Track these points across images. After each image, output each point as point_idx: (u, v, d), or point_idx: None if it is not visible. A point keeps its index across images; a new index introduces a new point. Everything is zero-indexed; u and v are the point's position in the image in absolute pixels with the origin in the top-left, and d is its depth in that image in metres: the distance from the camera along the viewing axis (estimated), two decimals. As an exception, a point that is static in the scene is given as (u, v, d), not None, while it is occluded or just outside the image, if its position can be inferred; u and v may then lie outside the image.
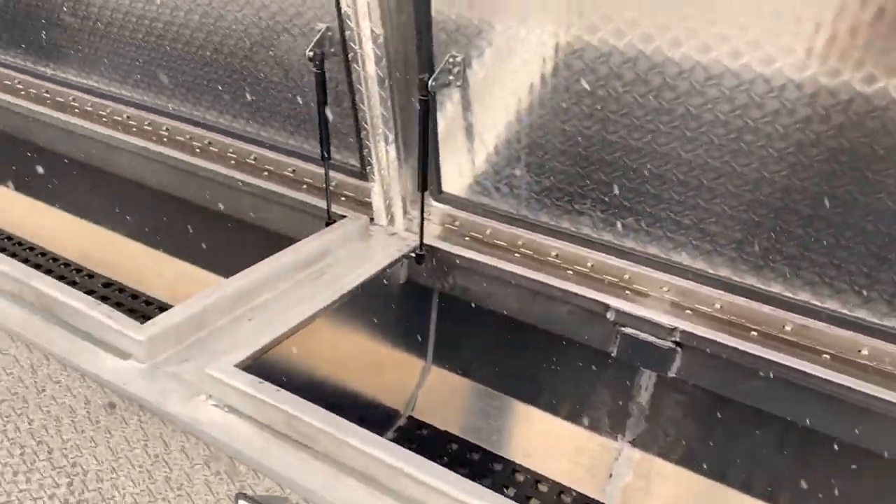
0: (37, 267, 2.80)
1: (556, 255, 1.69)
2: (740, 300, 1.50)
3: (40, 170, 2.79)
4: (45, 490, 1.21)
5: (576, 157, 1.51)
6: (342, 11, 1.52)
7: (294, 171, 2.00)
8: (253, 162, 2.06)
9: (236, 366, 1.27)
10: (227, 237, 2.36)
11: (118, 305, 2.59)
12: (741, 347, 1.51)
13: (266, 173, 2.06)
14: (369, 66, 1.56)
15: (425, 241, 1.78)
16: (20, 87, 2.47)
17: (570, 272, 1.69)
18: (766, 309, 1.49)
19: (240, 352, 1.32)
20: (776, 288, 1.45)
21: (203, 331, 1.43)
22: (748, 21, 1.20)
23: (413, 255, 1.77)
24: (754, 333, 1.52)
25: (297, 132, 1.92)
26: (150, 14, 1.91)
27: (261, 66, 1.82)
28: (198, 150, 2.16)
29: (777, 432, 1.70)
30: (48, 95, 2.42)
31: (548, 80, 1.44)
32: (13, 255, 2.80)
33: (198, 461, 1.21)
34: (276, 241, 2.17)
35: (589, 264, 1.65)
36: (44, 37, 2.26)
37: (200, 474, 1.20)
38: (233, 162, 2.11)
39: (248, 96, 1.92)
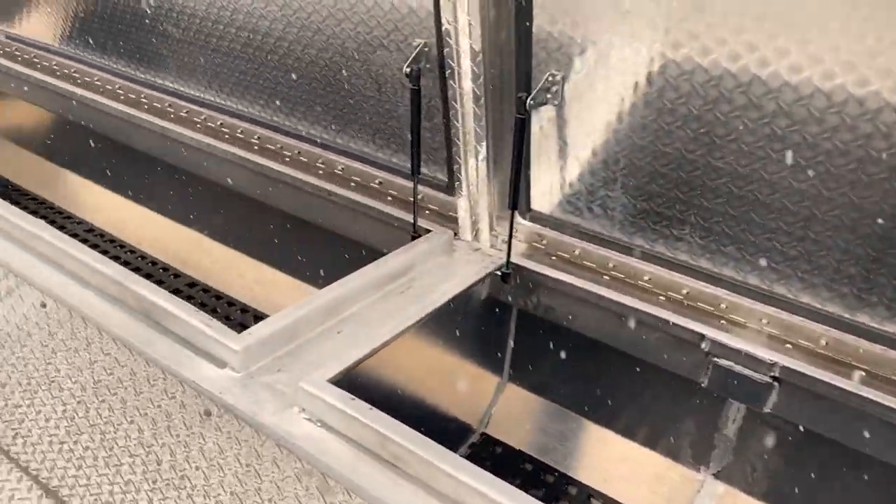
0: (125, 264, 2.93)
1: (649, 280, 1.64)
2: (849, 338, 1.42)
3: (134, 171, 2.91)
4: (133, 486, 1.25)
5: (677, 182, 1.46)
6: (442, 28, 1.51)
7: (381, 183, 2.02)
8: (340, 173, 2.08)
9: (329, 380, 1.28)
10: (311, 244, 2.41)
11: (202, 305, 2.67)
12: (847, 387, 1.43)
13: (353, 184, 2.08)
14: (466, 83, 1.55)
15: (511, 258, 1.76)
16: (120, 91, 2.58)
17: (663, 298, 1.63)
18: (878, 349, 1.40)
19: (332, 366, 1.33)
20: (891, 328, 1.36)
21: (295, 342, 1.45)
22: (877, 47, 1.13)
23: (499, 273, 1.75)
24: (862, 373, 1.44)
25: (387, 145, 1.93)
26: (248, 26, 1.96)
27: (354, 79, 1.84)
28: (287, 160, 2.20)
29: (876, 477, 1.60)
30: (145, 101, 2.51)
31: (651, 101, 1.40)
32: (104, 252, 2.93)
33: (289, 474, 1.22)
34: (358, 251, 2.21)
35: (684, 291, 1.60)
36: (146, 45, 2.35)
37: (291, 487, 1.21)
38: (321, 172, 2.14)
39: (340, 109, 1.94)
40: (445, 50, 1.53)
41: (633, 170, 1.51)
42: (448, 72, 1.56)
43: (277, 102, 2.10)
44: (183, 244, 2.90)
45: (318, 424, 1.24)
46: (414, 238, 1.85)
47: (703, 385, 1.68)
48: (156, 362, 1.38)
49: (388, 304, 1.62)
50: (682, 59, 1.32)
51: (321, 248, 2.42)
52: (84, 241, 3.01)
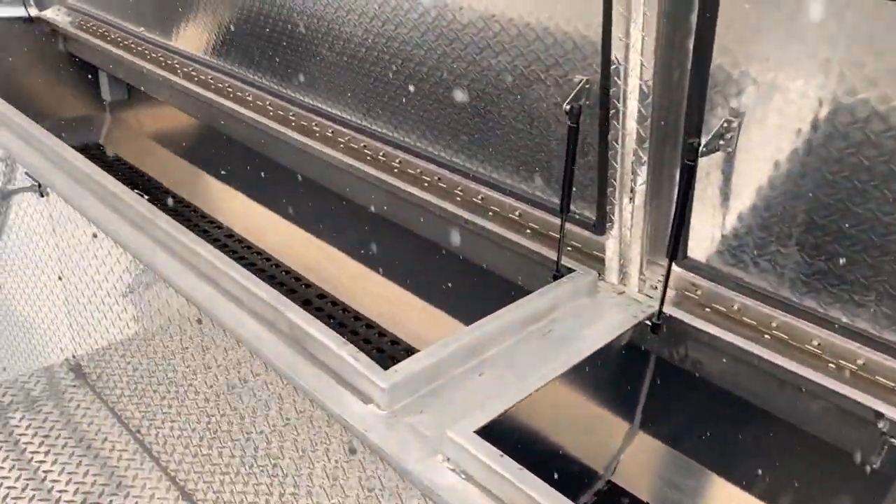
0: (260, 271, 3.05)
1: (818, 345, 1.50)
2: None
3: (275, 183, 3.03)
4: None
5: (865, 245, 1.32)
6: (610, 67, 1.45)
7: (521, 214, 1.97)
8: (479, 202, 2.06)
9: (475, 431, 1.25)
10: (442, 268, 2.40)
11: (329, 318, 2.73)
12: None
13: (491, 213, 2.04)
14: (630, 123, 1.48)
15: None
16: (270, 108, 2.68)
17: (833, 366, 1.49)
18: None
19: (478, 416, 1.29)
20: None
21: (437, 381, 1.43)
22: None
23: (648, 322, 1.66)
24: None
25: (531, 178, 1.88)
26: (402, 54, 1.98)
27: (506, 111, 1.80)
28: (426, 184, 2.20)
29: None
30: (293, 118, 2.60)
31: (845, 158, 1.27)
32: (241, 258, 3.07)
33: (432, 524, 1.20)
34: (487, 278, 2.17)
35: (859, 362, 1.45)
36: (298, 65, 2.43)
37: (434, 538, 1.19)
38: (458, 199, 2.12)
39: (486, 139, 1.91)
40: (612, 90, 1.47)
41: (813, 228, 1.38)
42: (612, 112, 1.49)
43: (423, 129, 2.10)
44: (316, 256, 2.99)
45: (464, 477, 1.20)
46: (556, 277, 1.79)
47: (873, 465, 1.51)
48: (304, 391, 1.40)
49: (529, 347, 1.57)
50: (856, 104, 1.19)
51: (451, 272, 2.41)
52: (223, 245, 3.17)
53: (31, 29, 3.61)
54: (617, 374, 1.88)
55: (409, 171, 2.24)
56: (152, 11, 3.20)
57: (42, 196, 2.05)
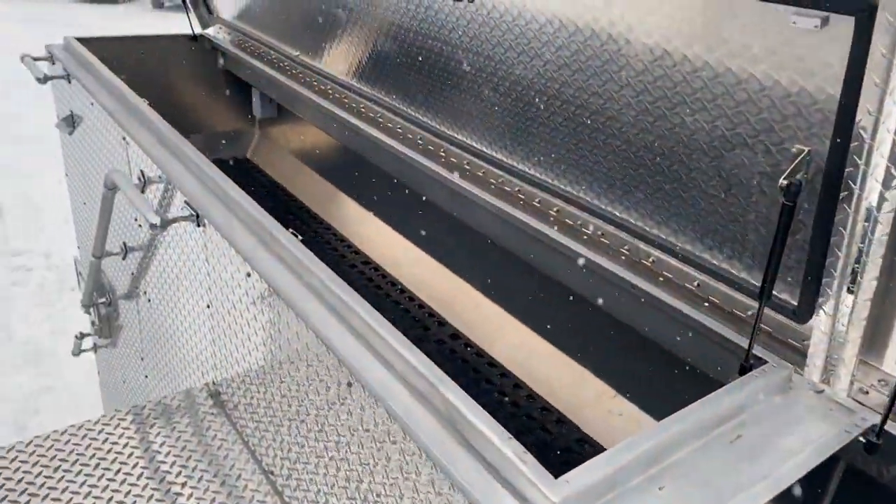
0: (395, 304, 2.98)
1: None
2: None
3: (417, 216, 2.95)
4: None
5: None
6: (848, 142, 1.21)
7: (698, 285, 1.75)
8: (649, 264, 1.85)
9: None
10: (593, 328, 2.22)
11: (464, 362, 2.61)
12: None
13: (662, 279, 1.83)
14: (866, 209, 1.23)
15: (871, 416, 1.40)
16: (420, 142, 2.60)
17: None
18: None
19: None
20: None
21: (612, 493, 1.25)
22: None
23: (863, 440, 1.39)
24: None
25: (719, 249, 1.66)
26: (576, 101, 1.81)
27: (697, 174, 1.59)
28: (585, 238, 2.02)
29: None
30: (443, 154, 2.50)
31: None
32: (377, 288, 3.01)
33: None
34: (650, 350, 1.96)
35: None
36: (457, 102, 2.33)
37: None
38: (624, 258, 1.93)
39: (668, 200, 1.71)
40: (847, 168, 1.23)
41: None
42: (844, 194, 1.26)
43: (590, 181, 1.92)
44: (453, 294, 2.88)
45: None
46: (743, 368, 1.55)
47: None
48: (457, 484, 1.26)
49: (715, 457, 1.35)
50: None
51: (602, 331, 2.22)
52: (360, 272, 3.13)
53: (195, 46, 3.77)
54: (816, 489, 1.62)
55: (568, 221, 2.07)
56: (307, 35, 3.23)
57: (199, 226, 2.05)
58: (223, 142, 3.96)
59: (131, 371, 3.30)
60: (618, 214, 1.89)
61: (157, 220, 1.98)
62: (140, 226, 2.55)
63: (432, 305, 2.91)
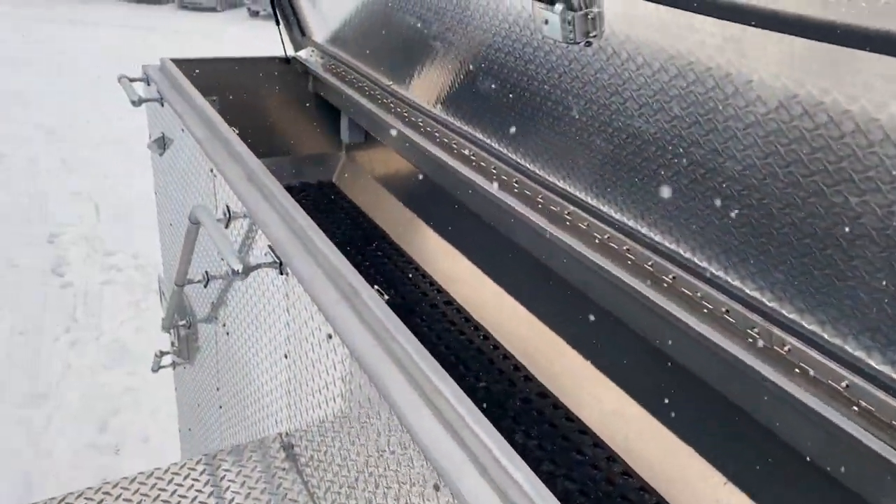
0: (479, 352, 2.81)
1: None
2: None
3: (505, 260, 2.77)
4: None
5: None
6: None
7: (847, 386, 1.48)
8: (784, 353, 1.60)
9: None
10: (698, 403, 1.97)
11: (552, 426, 2.40)
12: None
13: (798, 371, 1.58)
14: None
15: None
16: (516, 185, 2.42)
17: None
18: None
19: None
20: None
21: None
22: None
23: None
24: None
25: (881, 351, 1.39)
26: (708, 164, 1.58)
27: (859, 262, 1.34)
28: (705, 311, 1.78)
29: None
30: (541, 200, 2.30)
31: None
32: (461, 334, 2.83)
33: None
34: (769, 441, 1.71)
35: None
36: (564, 150, 2.13)
37: None
38: (750, 340, 1.68)
39: (815, 286, 1.46)
40: None
41: None
42: None
43: (717, 250, 1.69)
44: (539, 345, 2.67)
45: None
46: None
47: None
48: None
49: None
50: None
51: (709, 408, 1.97)
52: (442, 313, 2.97)
53: (286, 69, 3.72)
54: None
55: (686, 290, 1.83)
56: (399, 63, 3.10)
57: (282, 274, 1.94)
58: (310, 165, 3.90)
59: (206, 398, 3.26)
60: (748, 292, 1.65)
61: (238, 267, 1.88)
62: (223, 259, 2.48)
63: (518, 357, 2.72)
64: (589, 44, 1.67)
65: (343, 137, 3.87)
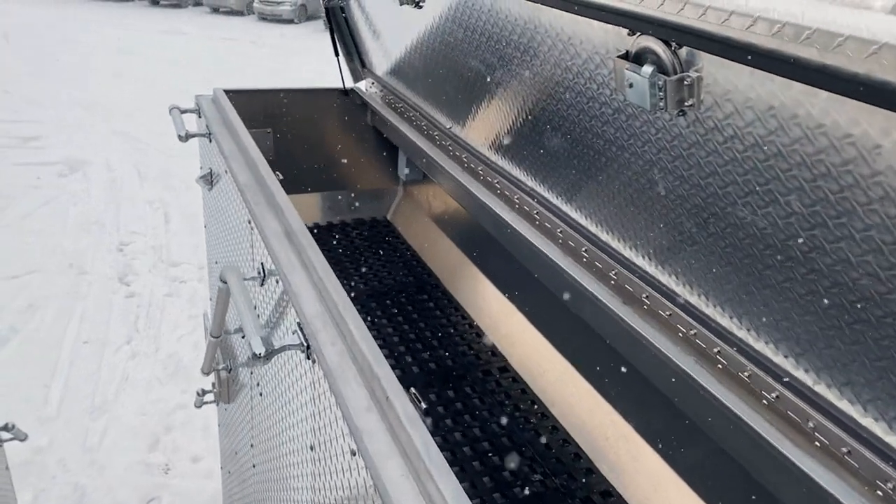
0: (525, 422, 2.52)
1: None
2: None
3: (553, 313, 2.48)
4: None
5: None
6: None
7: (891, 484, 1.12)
8: (808, 428, 1.25)
9: None
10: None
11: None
12: None
13: (818, 445, 1.23)
14: None
15: None
16: (572, 243, 2.12)
17: None
18: None
19: None
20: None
21: None
22: None
23: None
24: None
25: None
26: (771, 238, 1.25)
27: None
28: (766, 404, 1.44)
29: None
30: (585, 253, 2.00)
31: None
32: (515, 405, 2.54)
33: None
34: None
35: None
36: (609, 200, 1.83)
37: None
38: (787, 420, 1.33)
39: (853, 359, 1.11)
40: None
41: None
42: None
43: (773, 332, 1.35)
44: (602, 427, 2.36)
45: None
46: None
47: None
48: None
49: None
50: None
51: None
52: (497, 381, 2.68)
53: (345, 101, 3.53)
54: None
55: (730, 368, 1.49)
56: (458, 104, 2.85)
57: (309, 359, 1.70)
58: (365, 200, 3.69)
59: (243, 449, 3.08)
60: (788, 369, 1.30)
61: (261, 350, 1.66)
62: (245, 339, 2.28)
63: (578, 441, 2.41)
64: (683, 113, 1.38)
65: (400, 174, 3.64)
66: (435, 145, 3.03)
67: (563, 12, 1.65)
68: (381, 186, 3.74)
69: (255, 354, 1.66)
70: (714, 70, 1.24)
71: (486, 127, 2.62)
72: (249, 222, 2.27)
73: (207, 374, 3.20)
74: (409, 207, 3.74)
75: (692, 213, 1.54)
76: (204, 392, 3.70)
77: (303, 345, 1.71)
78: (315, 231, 3.58)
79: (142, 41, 21.53)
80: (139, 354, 7.10)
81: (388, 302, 3.00)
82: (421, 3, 2.22)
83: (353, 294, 2.96)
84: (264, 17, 27.94)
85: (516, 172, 2.44)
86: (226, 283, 2.08)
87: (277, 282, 2.00)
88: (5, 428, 2.99)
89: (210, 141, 2.83)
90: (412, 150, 3.24)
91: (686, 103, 1.31)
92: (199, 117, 3.04)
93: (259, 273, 2.13)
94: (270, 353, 1.70)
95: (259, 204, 2.25)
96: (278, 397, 2.14)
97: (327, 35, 3.54)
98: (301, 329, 1.74)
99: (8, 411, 6.03)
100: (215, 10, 29.24)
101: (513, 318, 2.89)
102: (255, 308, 2.16)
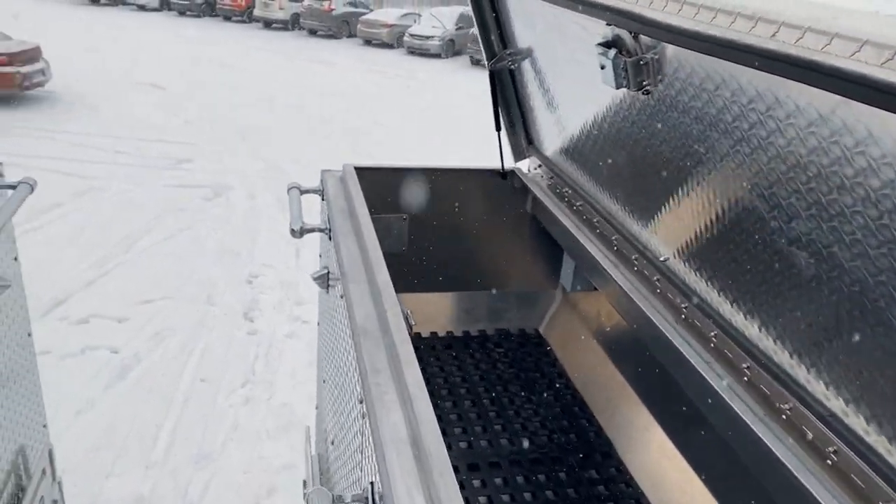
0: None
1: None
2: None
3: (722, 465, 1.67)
4: None
5: None
6: None
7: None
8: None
9: None
10: None
11: None
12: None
13: None
14: None
15: None
16: (746, 371, 1.34)
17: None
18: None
19: None
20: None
21: None
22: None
23: None
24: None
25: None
26: None
27: None
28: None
29: None
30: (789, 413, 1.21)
31: None
32: None
33: None
34: None
35: None
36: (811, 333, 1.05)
37: None
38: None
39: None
40: None
41: None
42: None
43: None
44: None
45: None
46: None
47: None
48: None
49: None
50: None
51: None
52: None
53: (501, 184, 2.92)
54: None
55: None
56: (646, 201, 2.15)
57: None
58: (515, 306, 3.03)
59: None
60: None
61: None
62: None
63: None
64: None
65: (562, 280, 2.95)
66: (609, 249, 2.35)
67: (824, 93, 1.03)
68: (537, 290, 3.05)
69: None
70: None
71: (678, 234, 1.91)
72: (355, 359, 1.69)
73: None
74: (567, 319, 3.03)
75: None
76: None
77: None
78: (447, 343, 2.95)
79: (288, 72, 22.43)
80: (252, 400, 6.85)
81: (539, 467, 2.31)
82: (648, 90, 1.60)
83: (493, 458, 2.29)
84: (412, 52, 28.51)
85: (717, 305, 1.71)
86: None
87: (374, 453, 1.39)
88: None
89: (329, 238, 2.32)
90: (577, 250, 2.57)
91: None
92: (322, 199, 2.55)
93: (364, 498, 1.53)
94: None
95: (371, 336, 1.68)
96: None
97: (473, 71, 2.92)
98: None
99: (117, 452, 5.91)
100: (367, 43, 30.27)
101: (689, 481, 2.12)
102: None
